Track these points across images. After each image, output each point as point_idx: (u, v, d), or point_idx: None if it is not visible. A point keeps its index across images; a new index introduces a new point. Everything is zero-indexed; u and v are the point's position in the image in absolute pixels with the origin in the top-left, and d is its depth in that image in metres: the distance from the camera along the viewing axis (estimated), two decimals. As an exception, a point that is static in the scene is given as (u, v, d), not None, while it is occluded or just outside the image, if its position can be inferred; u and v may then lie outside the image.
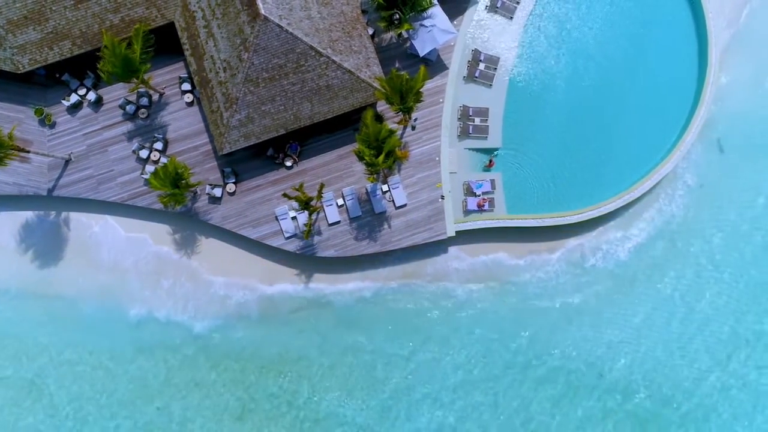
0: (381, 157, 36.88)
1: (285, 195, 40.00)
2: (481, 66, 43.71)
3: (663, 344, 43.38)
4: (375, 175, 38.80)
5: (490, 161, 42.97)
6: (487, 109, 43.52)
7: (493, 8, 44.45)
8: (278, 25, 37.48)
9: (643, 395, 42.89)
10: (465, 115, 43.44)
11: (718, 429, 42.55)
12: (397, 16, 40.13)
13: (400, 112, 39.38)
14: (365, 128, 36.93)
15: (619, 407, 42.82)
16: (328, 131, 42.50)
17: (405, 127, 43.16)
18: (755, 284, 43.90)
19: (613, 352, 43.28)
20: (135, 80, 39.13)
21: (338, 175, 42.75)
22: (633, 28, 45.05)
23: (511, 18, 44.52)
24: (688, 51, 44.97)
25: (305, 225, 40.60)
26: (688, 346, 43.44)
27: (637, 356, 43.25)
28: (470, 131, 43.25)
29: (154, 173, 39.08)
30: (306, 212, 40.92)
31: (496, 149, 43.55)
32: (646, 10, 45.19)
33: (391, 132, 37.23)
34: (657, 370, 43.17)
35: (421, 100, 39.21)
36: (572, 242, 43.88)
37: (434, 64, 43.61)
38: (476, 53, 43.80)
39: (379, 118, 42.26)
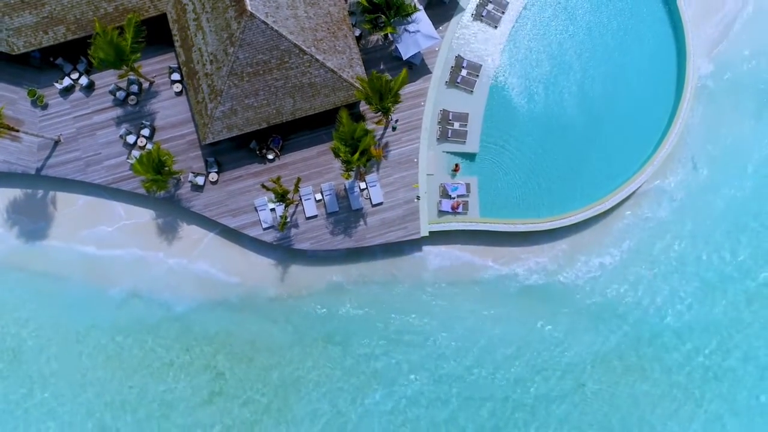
0: (356, 155, 38.06)
1: (263, 186, 41.22)
2: (464, 72, 44.85)
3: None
4: (351, 172, 39.95)
5: (456, 166, 44.05)
6: (467, 114, 44.66)
7: (478, 16, 45.59)
8: (264, 22, 38.73)
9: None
10: (445, 119, 44.59)
11: None
12: (382, 19, 41.27)
13: (380, 112, 40.55)
14: (341, 126, 38.16)
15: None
16: (310, 128, 43.71)
17: (386, 128, 44.34)
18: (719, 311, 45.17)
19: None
20: (125, 68, 40.44)
21: (318, 170, 43.97)
22: (614, 42, 46.23)
23: (496, 27, 45.64)
24: (668, 67, 45.99)
25: (281, 217, 41.82)
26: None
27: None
28: (449, 135, 44.40)
29: (139, 159, 40.39)
30: (283, 205, 42.10)
31: (473, 154, 44.66)
32: (628, 26, 46.25)
33: (367, 131, 38.43)
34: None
35: (399, 102, 40.44)
36: (542, 248, 44.85)
37: (418, 68, 44.78)
38: (459, 59, 44.94)
39: (360, 118, 43.55)
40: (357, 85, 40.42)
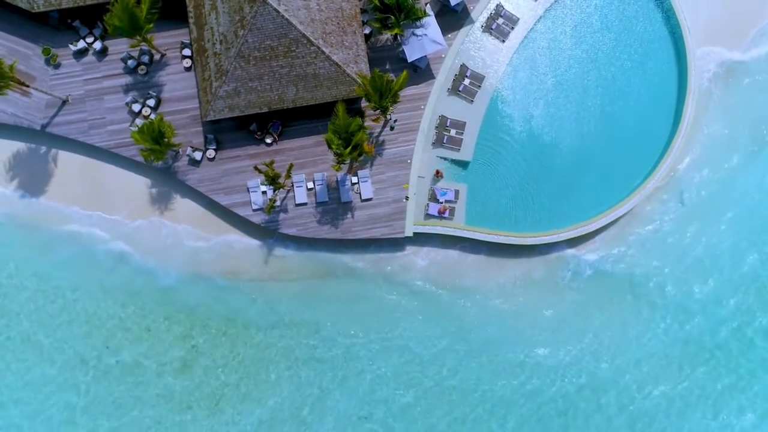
0: (348, 149, 39.03)
1: (256, 168, 42.25)
2: (466, 81, 45.71)
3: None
4: (342, 165, 40.91)
5: (437, 172, 44.88)
6: (465, 122, 45.54)
7: (488, 29, 46.41)
8: (275, 10, 39.81)
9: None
10: (442, 124, 45.48)
11: None
12: (391, 20, 42.21)
13: (378, 110, 41.52)
14: (337, 119, 39.15)
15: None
16: (310, 117, 44.69)
17: (384, 126, 45.28)
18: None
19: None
20: (138, 37, 41.60)
21: (313, 159, 44.98)
22: (618, 72, 46.90)
23: (504, 41, 46.45)
24: (667, 99, 46.65)
25: (269, 200, 42.87)
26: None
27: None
28: (444, 141, 45.30)
29: (140, 128, 41.55)
30: (273, 188, 43.12)
31: (466, 162, 45.53)
32: (634, 57, 46.93)
33: (361, 127, 39.38)
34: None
35: (398, 102, 41.40)
36: (519, 261, 45.69)
37: (423, 72, 45.70)
38: (463, 68, 45.80)
39: (360, 114, 44.51)
40: (358, 80, 41.37)
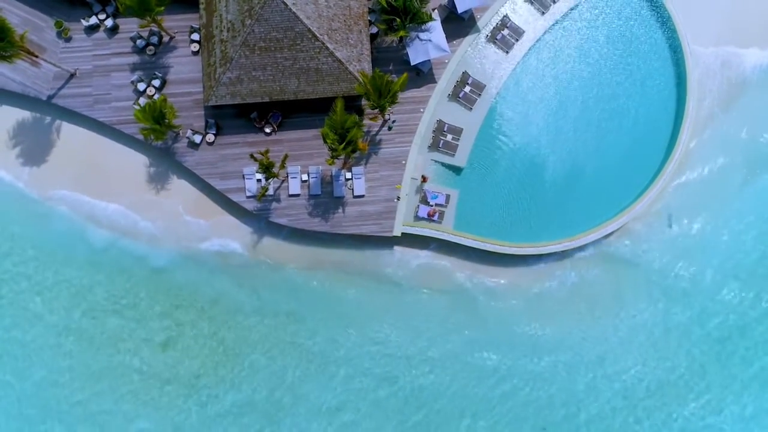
0: (342, 145, 39.72)
1: (251, 156, 42.98)
2: (467, 89, 46.35)
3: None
4: (335, 160, 41.57)
5: (423, 177, 45.49)
6: (462, 129, 46.16)
7: (492, 39, 47.03)
8: (283, 2, 40.60)
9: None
10: (440, 129, 46.12)
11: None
12: (396, 22, 42.88)
13: (377, 109, 42.20)
14: (334, 114, 39.86)
15: None
16: (310, 111, 45.38)
17: (382, 126, 45.95)
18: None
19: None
20: (148, 18, 42.45)
21: (309, 152, 45.67)
22: (619, 92, 47.49)
23: (507, 52, 47.05)
24: (664, 126, 47.16)
25: (261, 187, 43.60)
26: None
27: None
28: (440, 145, 45.93)
29: (142, 107, 42.38)
30: (265, 176, 43.85)
31: (460, 168, 46.14)
32: (636, 78, 47.50)
33: (357, 124, 40.05)
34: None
35: (396, 103, 42.07)
36: (504, 269, 46.27)
37: (425, 76, 46.36)
38: (465, 75, 46.43)
39: (359, 112, 45.19)
40: (360, 78, 42.06)
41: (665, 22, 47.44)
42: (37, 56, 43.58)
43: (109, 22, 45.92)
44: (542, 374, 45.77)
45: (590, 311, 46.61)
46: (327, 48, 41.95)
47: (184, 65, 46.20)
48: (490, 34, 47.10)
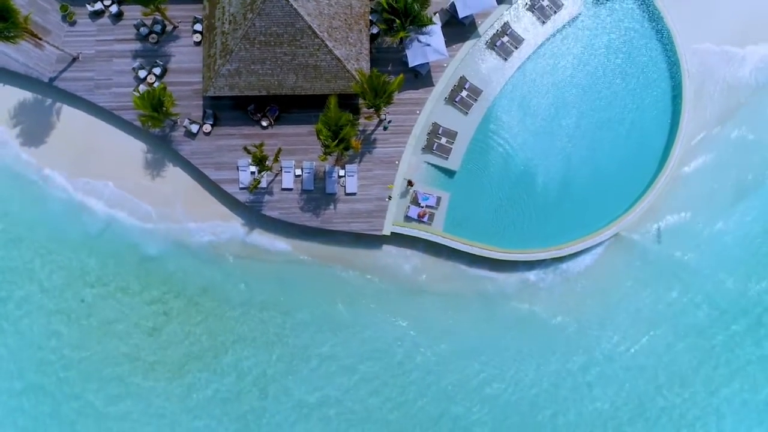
0: (335, 142, 40.17)
1: (245, 148, 43.47)
2: (464, 93, 46.73)
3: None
4: (328, 156, 42.01)
5: (409, 182, 45.93)
6: (456, 132, 46.55)
7: (492, 45, 47.40)
8: (285, -2, 41.09)
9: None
10: (435, 132, 46.53)
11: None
12: (396, 23, 43.28)
13: (372, 108, 42.64)
14: (328, 111, 40.31)
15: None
16: (308, 107, 45.81)
17: (378, 125, 46.38)
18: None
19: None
20: (152, 6, 42.97)
21: (304, 148, 46.13)
22: (615, 103, 47.82)
23: (506, 59, 47.42)
24: (658, 136, 47.49)
25: (254, 180, 44.10)
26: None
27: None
28: (434, 148, 46.34)
29: (141, 94, 42.92)
30: (258, 170, 44.32)
31: (452, 171, 46.53)
32: (634, 91, 47.84)
33: (350, 122, 40.48)
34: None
35: (391, 103, 42.51)
36: (492, 274, 46.70)
37: (422, 78, 46.77)
38: (463, 80, 46.81)
39: (356, 110, 45.62)
40: (357, 77, 42.49)
41: (663, 33, 47.78)
42: (40, 38, 44.14)
43: (113, 9, 46.49)
44: (524, 380, 46.14)
45: (577, 321, 46.89)
46: (326, 45, 42.40)
47: (185, 55, 46.71)
48: (489, 41, 47.48)
